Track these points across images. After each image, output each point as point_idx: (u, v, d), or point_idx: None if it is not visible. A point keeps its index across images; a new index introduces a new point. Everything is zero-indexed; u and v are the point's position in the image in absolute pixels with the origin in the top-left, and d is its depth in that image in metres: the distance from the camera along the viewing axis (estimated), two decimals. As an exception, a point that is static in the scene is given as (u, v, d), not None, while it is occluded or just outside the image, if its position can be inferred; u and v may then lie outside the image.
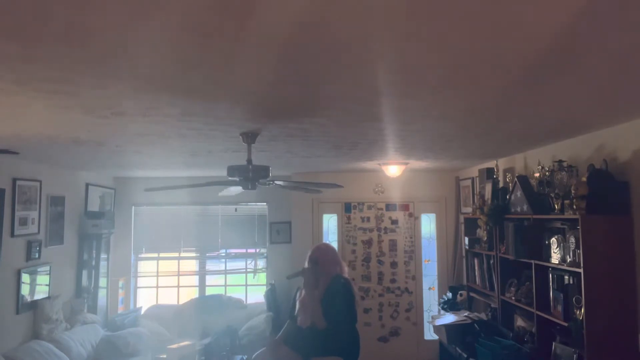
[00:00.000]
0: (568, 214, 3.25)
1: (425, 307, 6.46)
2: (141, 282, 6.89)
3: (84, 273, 5.70)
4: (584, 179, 3.15)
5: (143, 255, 6.89)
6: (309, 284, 3.61)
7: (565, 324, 3.27)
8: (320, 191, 4.31)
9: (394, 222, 6.48)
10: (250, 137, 3.28)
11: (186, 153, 4.24)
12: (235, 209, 6.86)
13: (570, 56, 1.84)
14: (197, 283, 6.91)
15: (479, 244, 4.95)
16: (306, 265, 3.72)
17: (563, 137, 3.65)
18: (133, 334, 5.47)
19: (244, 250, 7.03)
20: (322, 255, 3.72)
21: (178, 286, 6.92)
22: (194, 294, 6.81)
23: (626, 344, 2.96)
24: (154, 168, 5.55)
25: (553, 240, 3.48)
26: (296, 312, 3.69)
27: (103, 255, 6.07)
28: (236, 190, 3.69)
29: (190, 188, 3.89)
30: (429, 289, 6.51)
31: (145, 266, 6.92)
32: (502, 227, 4.29)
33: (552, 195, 3.45)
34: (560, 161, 3.44)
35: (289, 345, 3.62)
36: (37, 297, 4.73)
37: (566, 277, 3.39)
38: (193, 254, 6.98)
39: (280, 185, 3.69)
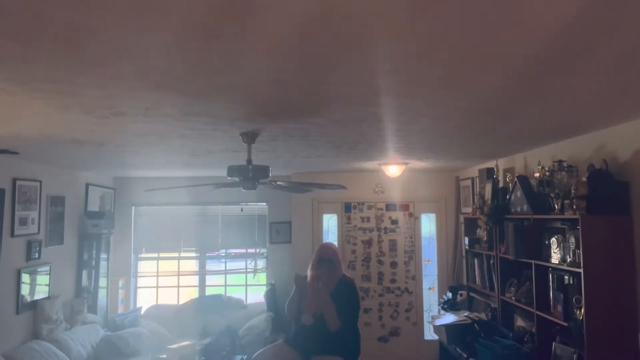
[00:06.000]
0: (568, 214, 3.25)
1: (425, 307, 6.45)
2: (141, 282, 6.88)
3: (84, 273, 5.70)
4: (584, 179, 3.15)
5: (143, 255, 6.89)
6: (320, 284, 3.55)
7: (565, 324, 3.27)
8: (311, 190, 4.23)
9: (394, 222, 6.48)
10: (250, 137, 3.28)
11: (186, 153, 4.24)
12: (242, 209, 6.85)
13: (570, 56, 1.84)
14: (197, 283, 6.91)
15: (479, 244, 4.95)
16: (313, 264, 3.65)
17: (563, 137, 3.65)
18: (133, 334, 5.47)
19: (244, 250, 7.03)
20: (335, 254, 3.68)
21: (178, 286, 6.92)
22: (194, 294, 6.81)
23: (626, 344, 2.96)
24: (154, 168, 5.55)
25: (553, 240, 3.48)
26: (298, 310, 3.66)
27: (103, 255, 6.06)
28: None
29: (189, 188, 3.89)
30: (429, 289, 6.51)
31: (145, 266, 6.92)
32: (502, 227, 4.29)
33: (552, 195, 3.45)
34: (560, 161, 3.44)
35: (290, 344, 3.62)
36: (37, 297, 4.72)
37: (566, 277, 3.39)
38: (193, 254, 6.98)
39: (281, 185, 3.69)
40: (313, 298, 3.54)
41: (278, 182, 3.58)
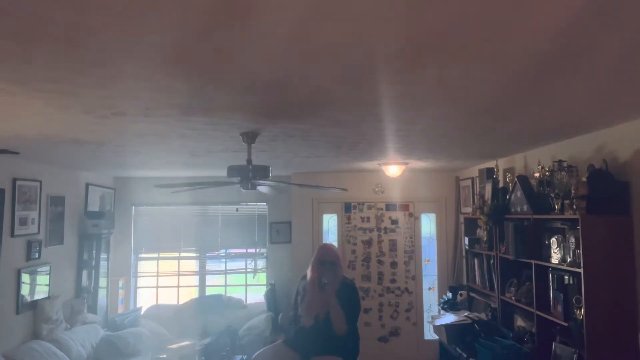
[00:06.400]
0: (568, 214, 3.25)
1: (425, 307, 6.45)
2: (141, 282, 6.89)
3: (84, 273, 5.70)
4: (584, 179, 3.15)
5: (143, 255, 6.89)
6: (325, 287, 3.50)
7: (565, 324, 3.27)
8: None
9: (394, 222, 6.47)
10: (250, 137, 3.28)
11: (186, 153, 4.25)
12: (237, 209, 6.85)
13: (570, 56, 1.84)
14: (197, 283, 6.92)
15: (479, 244, 4.95)
16: (314, 265, 3.60)
17: (563, 137, 3.65)
18: (133, 334, 5.47)
19: (244, 250, 7.03)
20: (337, 256, 3.62)
21: (178, 286, 6.92)
22: (194, 294, 6.81)
23: (626, 344, 2.96)
24: (154, 168, 5.55)
25: (553, 240, 3.48)
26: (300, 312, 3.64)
27: (103, 255, 6.06)
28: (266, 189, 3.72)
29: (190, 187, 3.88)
30: (429, 289, 6.51)
31: (145, 266, 6.92)
32: (502, 227, 4.29)
33: (552, 195, 3.45)
34: (560, 161, 3.44)
35: (289, 345, 3.62)
36: (37, 297, 4.72)
37: (566, 277, 3.39)
38: (193, 254, 6.98)
39: (279, 186, 3.68)
40: (313, 299, 3.52)
41: (278, 183, 3.58)
